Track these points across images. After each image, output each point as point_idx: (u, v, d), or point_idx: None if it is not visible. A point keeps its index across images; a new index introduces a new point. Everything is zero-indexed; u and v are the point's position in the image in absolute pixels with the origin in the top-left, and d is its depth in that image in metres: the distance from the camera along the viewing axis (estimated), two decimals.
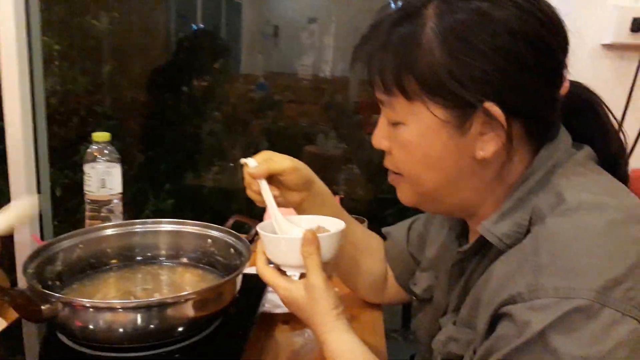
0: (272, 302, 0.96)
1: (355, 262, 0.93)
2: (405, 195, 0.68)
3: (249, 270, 0.80)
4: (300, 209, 0.83)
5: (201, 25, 4.45)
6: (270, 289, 0.91)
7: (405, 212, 0.94)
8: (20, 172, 1.66)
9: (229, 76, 3.24)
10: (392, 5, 0.63)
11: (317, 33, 3.66)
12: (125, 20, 3.12)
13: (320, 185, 0.86)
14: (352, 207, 1.11)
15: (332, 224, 0.74)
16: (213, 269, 0.88)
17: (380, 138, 0.66)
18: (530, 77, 0.56)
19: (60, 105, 2.63)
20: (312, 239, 0.66)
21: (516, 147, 0.59)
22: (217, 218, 0.96)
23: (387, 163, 0.67)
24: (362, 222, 1.13)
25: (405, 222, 0.94)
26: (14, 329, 0.73)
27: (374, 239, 0.98)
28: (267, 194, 0.76)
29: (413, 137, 0.61)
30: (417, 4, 0.59)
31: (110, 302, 0.65)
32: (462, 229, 0.74)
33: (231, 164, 2.76)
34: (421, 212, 0.88)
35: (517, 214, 0.58)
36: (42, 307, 0.62)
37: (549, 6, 0.58)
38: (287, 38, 3.87)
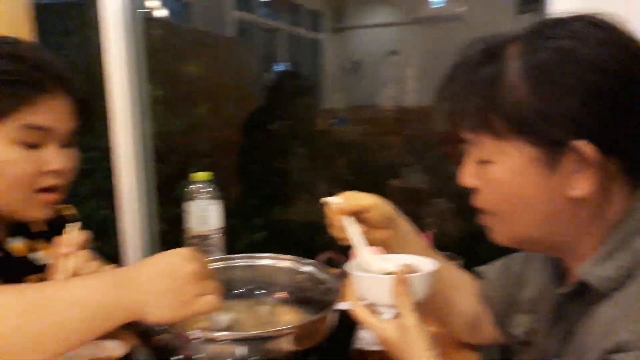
0: (365, 339, 0.96)
1: (448, 301, 0.92)
2: (498, 235, 0.67)
3: (340, 306, 0.81)
4: (385, 247, 0.83)
5: (284, 66, 4.66)
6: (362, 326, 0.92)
7: (499, 247, 0.91)
8: (131, 207, 1.82)
9: (312, 112, 3.35)
10: (474, 46, 0.63)
11: (399, 65, 3.70)
12: (218, 66, 3.36)
13: (404, 222, 0.86)
14: (442, 243, 1.09)
15: (425, 263, 0.74)
16: (305, 304, 0.90)
17: (468, 176, 0.66)
18: (624, 114, 0.55)
19: (162, 144, 2.85)
20: (403, 279, 0.66)
21: (613, 185, 0.57)
22: (306, 251, 0.99)
23: (477, 202, 0.67)
24: (455, 259, 1.10)
25: (500, 261, 0.91)
26: (130, 355, 0.80)
27: (467, 277, 0.96)
28: (352, 230, 0.77)
29: (503, 176, 0.60)
30: (500, 44, 0.60)
31: (215, 335, 0.68)
32: (560, 270, 0.71)
33: (317, 199, 2.82)
34: (516, 249, 0.86)
35: (620, 257, 0.56)
36: (158, 336, 0.68)
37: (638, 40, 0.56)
38: (368, 71, 3.94)
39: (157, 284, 0.62)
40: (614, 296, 0.55)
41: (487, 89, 0.58)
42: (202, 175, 1.22)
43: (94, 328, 0.60)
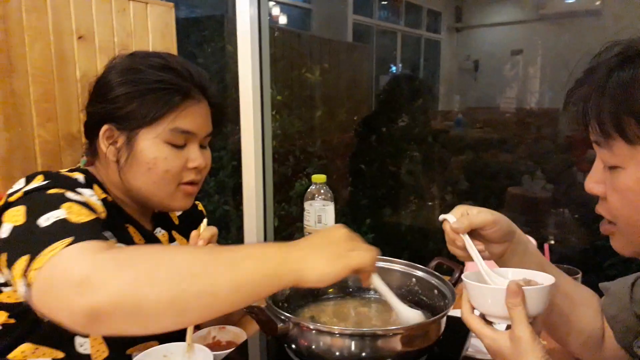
0: (476, 348, 0.95)
1: (565, 317, 0.88)
2: (621, 245, 0.63)
3: (453, 312, 0.82)
4: (502, 261, 0.83)
5: (400, 67, 4.65)
6: (474, 334, 0.91)
7: (629, 263, 0.85)
8: (252, 204, 1.96)
9: (427, 114, 3.31)
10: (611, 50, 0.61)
11: (522, 65, 3.51)
12: (334, 71, 3.47)
13: (521, 235, 0.84)
14: (564, 255, 1.05)
15: (542, 278, 0.72)
16: (418, 307, 0.92)
17: (594, 182, 0.64)
18: None
19: (280, 146, 3.03)
20: (517, 291, 0.66)
21: None
22: (414, 256, 1.00)
23: (601, 209, 0.64)
24: (575, 273, 1.05)
25: (629, 278, 0.85)
26: (251, 342, 0.88)
27: (587, 293, 0.91)
28: (471, 248, 0.78)
29: (633, 183, 0.58)
30: (638, 47, 0.57)
31: (331, 327, 0.74)
32: None
33: (428, 203, 2.80)
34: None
35: None
36: (279, 325, 0.74)
37: None
38: (487, 72, 3.79)
39: (315, 242, 0.68)
40: None
41: (622, 92, 0.57)
42: (320, 178, 1.30)
43: (263, 290, 0.64)
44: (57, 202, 0.76)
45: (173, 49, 1.73)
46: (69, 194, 0.80)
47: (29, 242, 0.69)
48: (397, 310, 0.78)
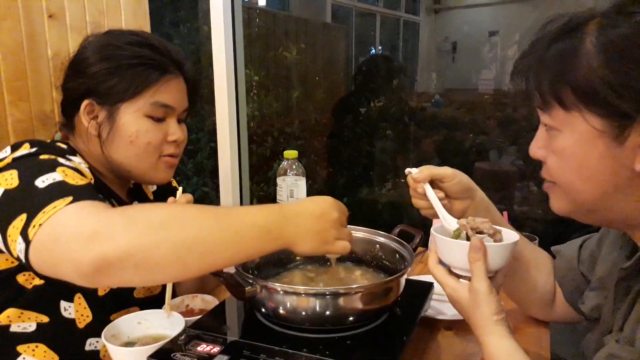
0: (436, 309, 1.01)
1: (522, 278, 0.94)
2: (558, 204, 0.69)
3: (418, 278, 0.87)
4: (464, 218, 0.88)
5: (379, 49, 4.66)
6: (432, 295, 0.97)
7: (579, 231, 0.91)
8: (227, 185, 1.99)
9: (404, 95, 3.34)
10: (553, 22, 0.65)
11: (500, 46, 3.55)
12: (311, 50, 3.47)
13: (482, 195, 0.89)
14: (530, 226, 1.10)
15: (506, 235, 0.77)
16: (380, 270, 0.97)
17: (536, 147, 0.69)
18: None
19: (258, 127, 3.04)
20: (479, 246, 0.71)
21: None
22: (389, 230, 1.05)
23: (543, 173, 0.69)
24: (532, 239, 1.11)
25: (577, 241, 0.92)
26: (221, 307, 0.92)
27: (542, 255, 0.97)
28: (431, 195, 0.84)
29: (568, 145, 0.63)
30: (579, 20, 0.61)
31: (296, 288, 0.78)
32: (633, 248, 0.71)
33: (402, 180, 2.85)
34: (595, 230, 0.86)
35: None
36: (246, 288, 0.78)
37: None
38: (465, 53, 3.82)
39: (309, 223, 0.73)
40: None
41: (561, 62, 0.61)
42: (291, 154, 1.33)
43: (259, 247, 0.70)
44: (51, 165, 0.79)
45: (146, 28, 1.73)
46: (61, 160, 0.83)
47: (25, 202, 0.72)
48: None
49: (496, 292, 0.73)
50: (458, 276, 0.76)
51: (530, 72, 0.66)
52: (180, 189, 1.03)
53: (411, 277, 0.87)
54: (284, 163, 1.35)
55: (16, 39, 1.35)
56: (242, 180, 2.07)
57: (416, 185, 0.86)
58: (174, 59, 0.99)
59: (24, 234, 0.68)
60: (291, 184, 1.32)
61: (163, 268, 0.65)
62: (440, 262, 0.78)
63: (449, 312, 1.00)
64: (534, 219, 2.18)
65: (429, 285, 0.98)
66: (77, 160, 0.90)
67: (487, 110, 3.04)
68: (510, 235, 0.78)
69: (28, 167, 0.79)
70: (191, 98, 1.05)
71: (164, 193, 1.14)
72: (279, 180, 1.34)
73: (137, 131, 0.94)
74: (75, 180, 0.77)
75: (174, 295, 1.03)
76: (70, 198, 0.69)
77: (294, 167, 1.34)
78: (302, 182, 1.33)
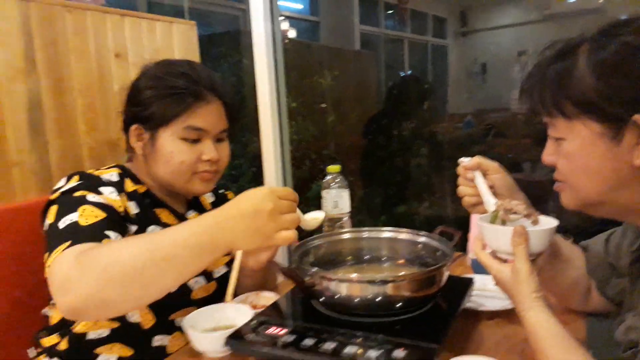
0: (477, 302, 1.09)
1: (561, 272, 1.01)
2: (567, 200, 0.79)
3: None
4: None
5: (408, 72, 4.78)
6: (473, 291, 1.06)
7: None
8: None
9: (435, 116, 3.44)
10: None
11: (529, 65, 3.62)
12: (344, 77, 3.63)
13: (523, 197, 0.98)
14: (562, 227, 1.17)
15: (546, 222, 0.86)
16: (423, 267, 1.07)
17: (547, 155, 0.80)
18: None
19: (297, 150, 3.19)
20: (522, 232, 0.80)
21: None
22: None
23: (556, 175, 0.80)
24: (567, 238, 1.18)
25: (603, 235, 0.99)
26: (283, 300, 1.03)
27: (577, 251, 1.05)
28: (479, 181, 0.94)
29: (573, 149, 0.73)
30: (572, 44, 0.73)
31: (349, 276, 0.89)
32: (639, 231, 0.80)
33: (438, 196, 2.94)
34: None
35: None
36: (306, 279, 0.90)
37: None
38: (495, 74, 3.89)
39: (243, 224, 0.79)
40: None
41: (559, 80, 0.73)
42: (335, 168, 1.45)
43: (197, 263, 0.79)
44: (77, 204, 0.95)
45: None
46: (90, 196, 0.98)
47: (50, 241, 0.89)
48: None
49: (536, 274, 0.80)
50: (502, 260, 0.84)
51: (534, 90, 0.78)
52: (231, 193, 1.15)
53: (453, 274, 0.96)
54: (328, 177, 1.46)
55: (89, 76, 1.54)
56: None
57: (466, 172, 0.96)
58: (206, 85, 1.10)
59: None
60: (335, 196, 1.44)
61: (117, 304, 0.78)
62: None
63: (489, 305, 1.08)
64: (566, 221, 2.21)
65: (470, 281, 1.07)
66: (108, 190, 1.03)
67: (520, 128, 3.09)
68: (550, 221, 0.86)
69: (62, 205, 0.96)
70: (231, 117, 1.16)
71: (221, 203, 1.26)
72: (323, 193, 1.46)
73: (172, 152, 1.07)
74: (87, 219, 0.92)
75: (239, 294, 1.15)
76: (69, 243, 0.85)
77: (337, 180, 1.45)
78: (345, 194, 1.44)
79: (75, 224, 0.90)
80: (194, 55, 1.93)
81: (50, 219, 0.95)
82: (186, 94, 1.07)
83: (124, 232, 0.99)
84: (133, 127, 1.10)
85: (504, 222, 0.87)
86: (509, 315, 1.06)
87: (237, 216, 0.79)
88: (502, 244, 0.82)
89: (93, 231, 0.91)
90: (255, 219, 0.79)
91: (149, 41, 1.74)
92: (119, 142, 1.63)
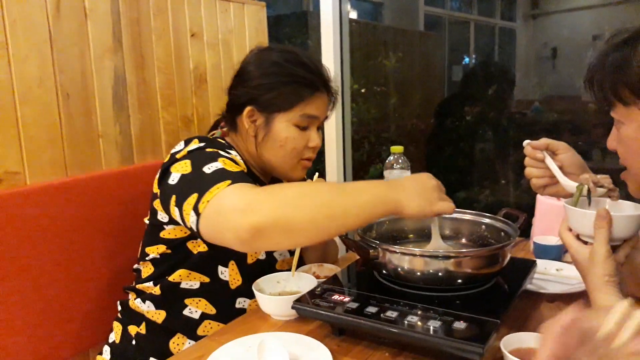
0: (539, 285, 1.10)
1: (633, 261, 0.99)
2: (633, 188, 0.79)
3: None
4: None
5: (474, 58, 4.66)
6: (535, 273, 1.06)
7: None
8: None
9: (501, 101, 3.35)
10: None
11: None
12: (407, 59, 3.60)
13: (593, 175, 0.97)
14: None
15: (631, 208, 0.85)
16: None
17: (611, 141, 0.82)
18: None
19: (356, 133, 3.22)
20: (604, 215, 0.79)
21: None
22: None
23: (620, 160, 0.82)
24: None
25: None
26: (346, 271, 1.08)
27: None
28: (551, 162, 0.95)
29: (630, 133, 0.76)
30: (635, 34, 0.75)
31: (412, 250, 0.92)
32: None
33: (503, 183, 2.88)
34: None
35: None
36: (370, 251, 0.94)
37: None
38: (567, 59, 3.72)
39: (413, 188, 0.90)
40: None
41: (619, 67, 0.75)
42: (398, 149, 1.47)
43: (375, 211, 0.87)
44: (214, 156, 1.00)
45: (265, 43, 1.97)
46: (222, 152, 1.04)
47: (196, 184, 0.92)
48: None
49: (620, 261, 0.80)
50: (585, 243, 0.84)
51: (595, 76, 0.80)
52: (317, 174, 1.20)
53: (517, 257, 0.97)
54: (391, 157, 1.49)
55: (167, 54, 1.63)
56: (346, 180, 2.23)
57: (535, 153, 0.96)
58: (322, 77, 1.16)
59: (195, 208, 0.88)
60: (397, 176, 1.46)
61: (301, 231, 0.82)
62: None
63: (550, 289, 1.08)
64: None
65: (532, 262, 1.07)
66: (233, 153, 1.11)
67: (590, 117, 2.97)
68: (636, 207, 0.84)
69: (197, 158, 1.00)
70: (330, 109, 1.22)
71: None
72: (385, 173, 1.48)
73: (287, 138, 1.13)
74: (232, 167, 0.97)
75: (303, 264, 1.21)
76: (230, 181, 0.88)
77: (400, 161, 1.47)
78: (407, 174, 1.46)
79: (223, 170, 0.94)
80: (264, 36, 1.99)
81: (183, 171, 0.99)
82: (306, 84, 1.12)
83: None
84: (248, 108, 1.13)
85: (589, 199, 0.86)
86: (571, 299, 1.06)
87: (410, 180, 0.93)
88: (585, 227, 0.82)
89: (245, 176, 0.95)
90: (425, 185, 0.92)
91: (222, 21, 1.82)
92: (192, 119, 1.73)
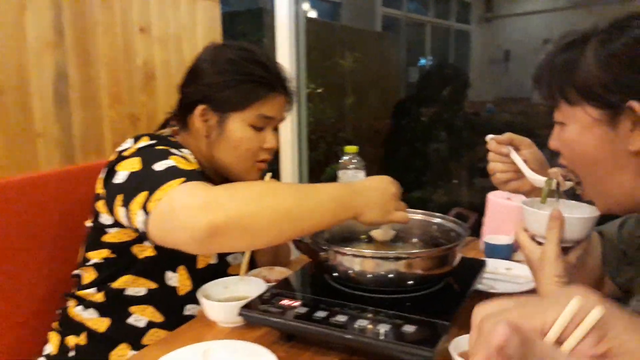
0: (488, 285, 1.11)
1: (586, 259, 1.01)
2: (595, 201, 0.81)
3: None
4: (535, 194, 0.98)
5: (429, 58, 4.72)
6: (486, 274, 1.07)
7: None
8: None
9: (455, 103, 3.41)
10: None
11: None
12: (365, 59, 3.60)
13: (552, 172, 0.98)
14: None
15: (586, 210, 0.85)
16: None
17: (552, 141, 0.83)
18: None
19: (312, 133, 3.20)
20: (557, 216, 0.80)
21: None
22: None
23: (560, 160, 0.83)
24: None
25: (617, 221, 0.99)
26: (296, 274, 1.06)
27: (595, 238, 1.05)
28: (517, 157, 0.95)
29: (573, 135, 0.76)
30: (583, 36, 0.76)
31: (363, 252, 0.91)
32: None
33: (455, 182, 2.93)
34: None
35: None
36: (321, 254, 0.92)
37: None
38: (519, 62, 3.82)
39: (374, 196, 0.89)
40: None
41: (566, 68, 0.76)
42: (352, 149, 1.46)
43: (336, 215, 0.86)
44: (166, 154, 0.95)
45: (218, 41, 1.92)
46: (173, 150, 0.99)
47: (146, 182, 0.87)
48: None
49: (572, 263, 0.81)
50: (539, 244, 0.84)
51: (543, 76, 0.81)
52: (269, 174, 1.16)
53: (468, 256, 0.97)
54: (345, 158, 1.47)
55: (114, 50, 1.56)
56: (301, 181, 2.21)
57: (500, 148, 0.97)
58: (280, 77, 1.11)
59: (144, 207, 0.84)
60: (351, 177, 1.44)
61: (262, 232, 0.80)
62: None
63: (500, 288, 1.09)
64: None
65: (482, 262, 1.08)
66: (185, 151, 1.06)
67: (541, 118, 3.05)
68: (590, 210, 0.84)
69: (148, 155, 0.95)
70: (287, 110, 1.17)
71: None
72: (340, 173, 1.47)
73: (241, 138, 1.08)
74: (185, 165, 0.92)
75: (252, 267, 1.17)
76: (183, 179, 0.84)
77: (354, 161, 1.46)
78: (361, 175, 1.45)
79: (176, 167, 0.89)
80: (217, 33, 1.94)
81: (131, 169, 0.93)
82: (262, 83, 1.08)
83: None
84: (200, 107, 1.08)
85: (557, 193, 0.87)
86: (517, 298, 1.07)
87: (371, 189, 0.91)
88: (539, 228, 0.83)
89: (200, 176, 0.90)
90: (384, 195, 0.91)
91: (173, 16, 1.76)
92: (140, 117, 1.67)
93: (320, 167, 3.16)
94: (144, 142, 1.02)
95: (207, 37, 1.89)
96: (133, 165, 0.94)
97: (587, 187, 0.81)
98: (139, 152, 0.97)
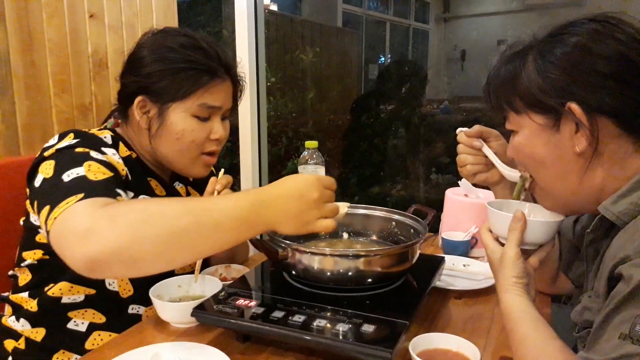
0: (447, 282, 1.11)
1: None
2: (540, 202, 0.84)
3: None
4: (499, 190, 1.01)
5: (389, 57, 4.75)
6: (443, 270, 1.07)
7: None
8: (249, 181, 2.10)
9: (415, 100, 3.44)
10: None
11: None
12: (325, 54, 3.58)
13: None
14: None
15: (550, 215, 0.85)
16: (396, 245, 1.07)
17: (508, 149, 0.85)
18: (604, 81, 0.69)
19: (274, 127, 3.16)
20: (519, 218, 0.81)
21: (617, 142, 0.71)
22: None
23: (518, 167, 0.86)
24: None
25: (572, 217, 1.01)
26: (254, 272, 1.03)
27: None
28: (488, 150, 0.97)
29: (522, 140, 0.79)
30: (524, 47, 0.79)
31: (322, 249, 0.88)
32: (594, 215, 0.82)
33: (412, 178, 2.96)
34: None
35: (634, 195, 0.68)
36: (279, 251, 0.89)
37: (630, 26, 0.71)
38: (474, 61, 3.90)
39: (288, 206, 0.76)
40: (628, 226, 0.67)
41: (510, 78, 0.78)
42: (312, 144, 1.44)
43: (237, 236, 0.74)
44: (82, 159, 0.88)
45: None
46: (93, 153, 0.91)
47: (52, 194, 0.81)
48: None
49: (534, 266, 0.82)
50: (502, 245, 0.84)
51: (491, 88, 0.83)
52: (222, 170, 1.10)
53: (426, 253, 0.97)
54: (305, 153, 1.45)
55: (61, 36, 1.48)
56: (261, 178, 2.17)
57: (472, 141, 0.97)
58: (223, 63, 1.04)
59: (45, 224, 0.77)
60: (311, 172, 1.42)
61: (146, 262, 0.70)
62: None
63: (458, 285, 1.10)
64: None
65: (441, 259, 1.08)
66: (110, 152, 0.97)
67: (496, 117, 3.12)
68: (554, 215, 0.84)
69: (63, 160, 0.89)
70: (235, 97, 1.11)
71: (204, 178, 1.20)
72: (300, 168, 1.44)
73: (184, 130, 1.01)
74: (96, 175, 0.86)
75: (208, 265, 1.13)
76: (82, 195, 0.77)
77: (314, 156, 1.44)
78: (321, 170, 1.43)
79: (83, 178, 0.83)
80: (173, 21, 1.87)
81: (45, 174, 0.87)
82: (203, 71, 1.01)
83: (127, 196, 0.93)
84: (138, 98, 1.01)
85: (526, 195, 0.88)
86: (477, 296, 1.08)
87: (282, 197, 0.77)
88: (501, 229, 0.83)
89: (105, 187, 0.84)
90: (300, 203, 0.77)
91: (126, 3, 1.68)
92: (91, 107, 1.59)
93: (281, 162, 3.12)
94: (67, 140, 0.95)
95: (163, 25, 1.82)
96: (47, 170, 0.88)
97: (538, 190, 0.83)
98: (56, 155, 0.91)
